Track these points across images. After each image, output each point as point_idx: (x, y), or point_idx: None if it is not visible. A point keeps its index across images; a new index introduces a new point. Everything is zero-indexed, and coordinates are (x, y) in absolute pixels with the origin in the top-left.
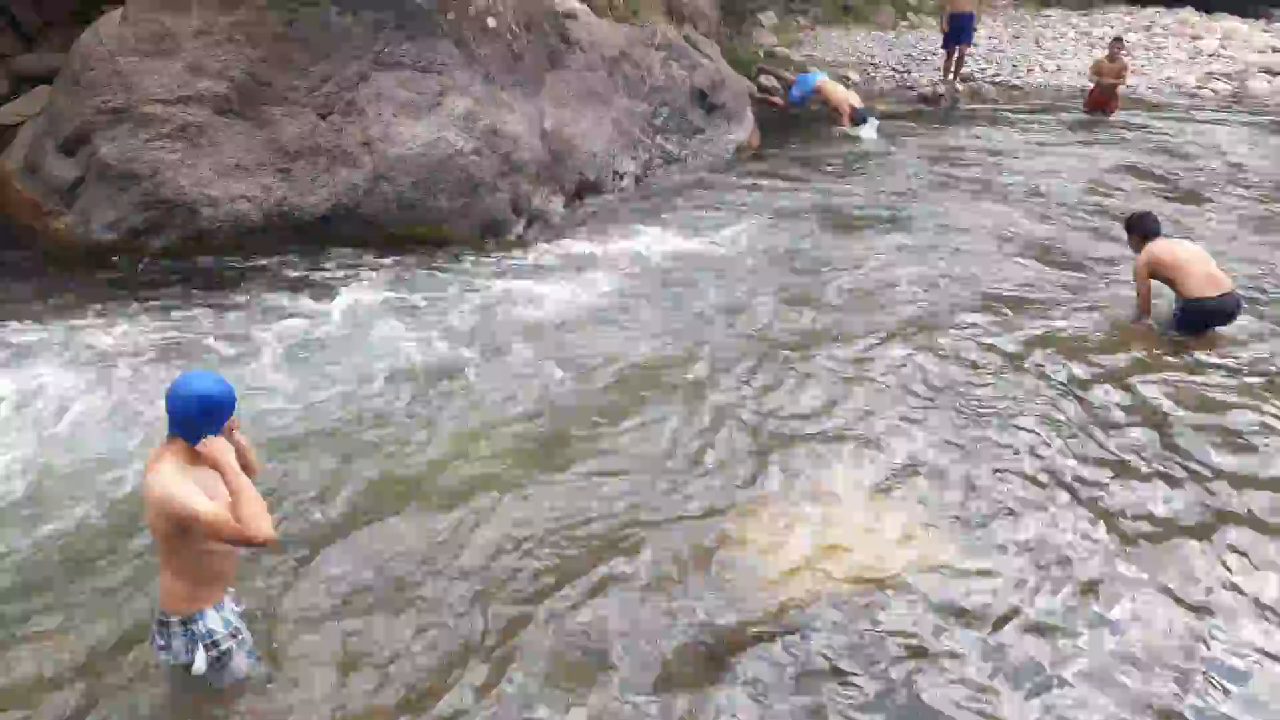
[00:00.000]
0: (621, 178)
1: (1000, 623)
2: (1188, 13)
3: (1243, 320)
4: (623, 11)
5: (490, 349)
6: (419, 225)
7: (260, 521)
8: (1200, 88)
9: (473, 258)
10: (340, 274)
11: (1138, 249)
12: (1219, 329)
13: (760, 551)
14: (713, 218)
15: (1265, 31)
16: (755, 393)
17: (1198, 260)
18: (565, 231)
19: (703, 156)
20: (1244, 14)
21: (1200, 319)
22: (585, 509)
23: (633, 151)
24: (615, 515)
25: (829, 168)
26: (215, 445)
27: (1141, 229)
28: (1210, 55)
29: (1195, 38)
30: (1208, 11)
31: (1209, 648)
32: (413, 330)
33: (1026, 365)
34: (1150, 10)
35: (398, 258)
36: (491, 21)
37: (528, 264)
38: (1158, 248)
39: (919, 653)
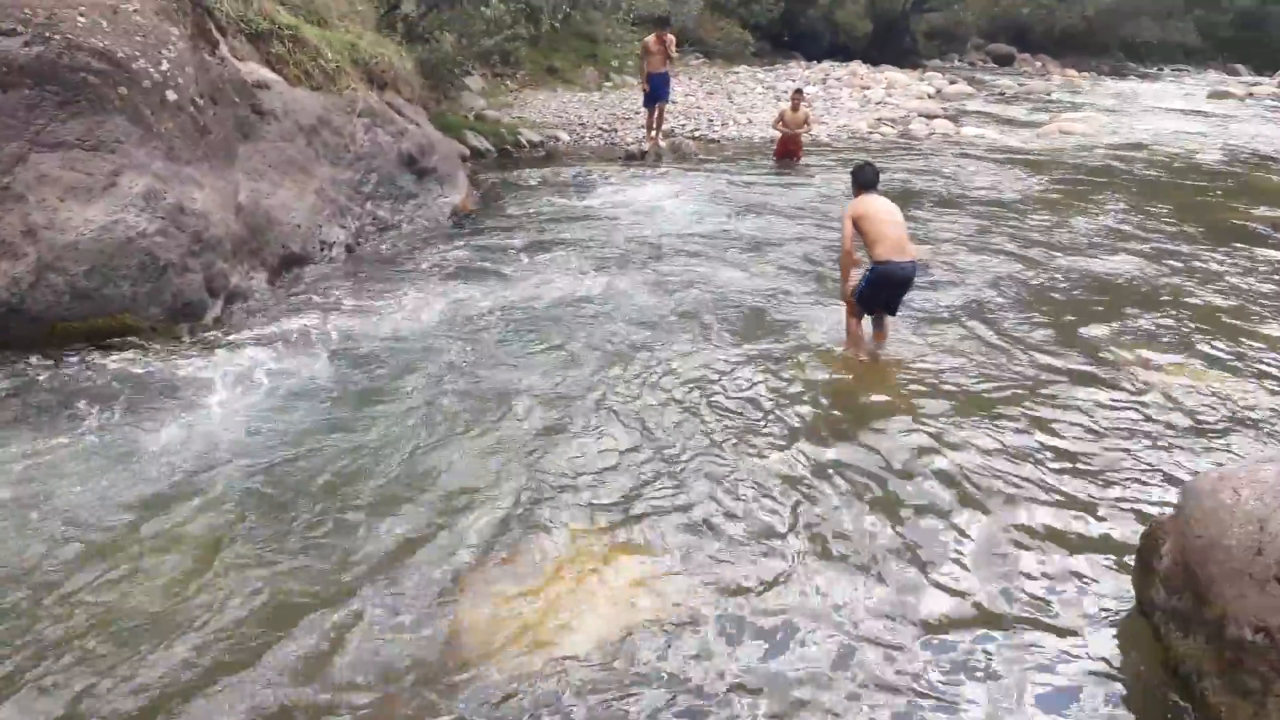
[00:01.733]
0: (331, 248)
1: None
2: (856, 65)
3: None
4: (318, 80)
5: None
6: (97, 317)
7: None
8: (871, 132)
9: (158, 347)
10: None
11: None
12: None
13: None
14: (421, 288)
15: (921, 80)
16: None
17: (894, 224)
18: (270, 309)
19: (418, 221)
20: (902, 65)
21: (884, 285)
22: (287, 592)
23: (341, 220)
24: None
25: (542, 229)
26: None
27: (859, 179)
28: (878, 103)
29: (865, 88)
30: (874, 64)
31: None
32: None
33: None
34: (826, 64)
35: (70, 356)
36: (171, 95)
37: (216, 350)
38: (865, 201)
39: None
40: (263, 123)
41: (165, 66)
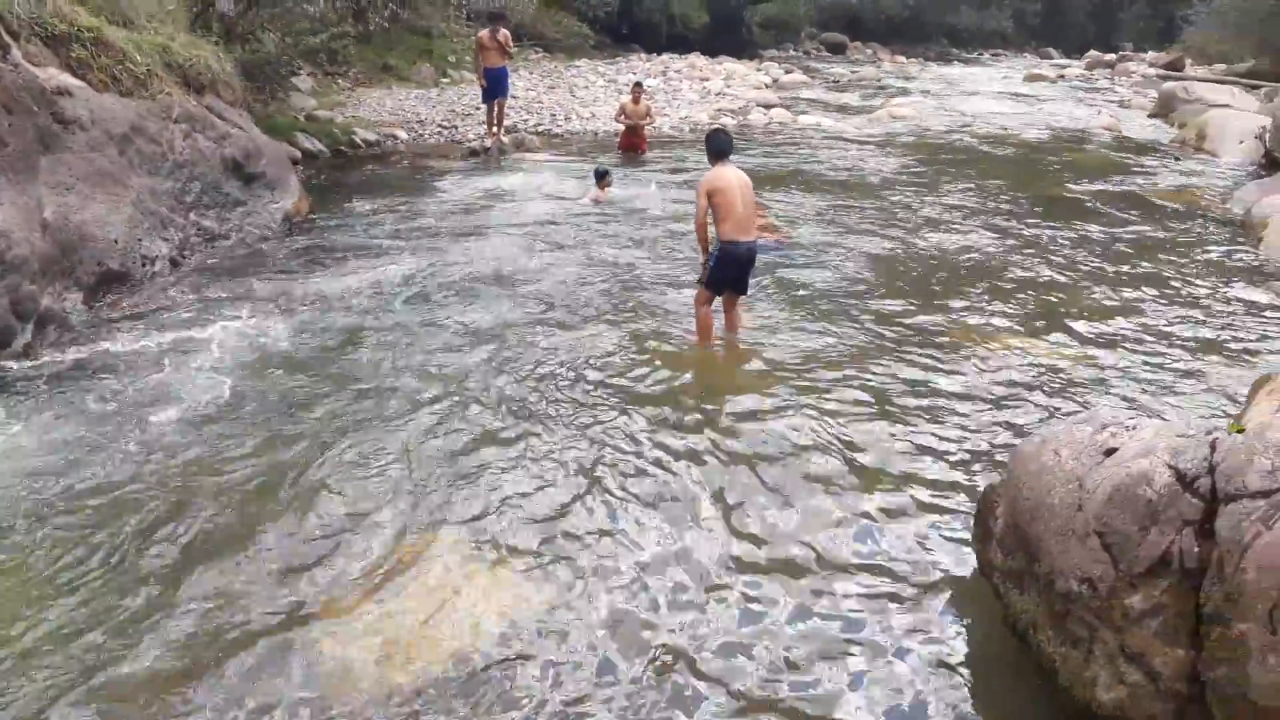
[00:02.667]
0: (154, 262)
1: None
2: (695, 57)
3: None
4: (128, 85)
5: None
6: None
7: None
8: (712, 122)
9: None
10: None
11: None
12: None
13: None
14: (252, 298)
15: (759, 70)
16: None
17: (743, 201)
18: (87, 332)
19: (248, 229)
20: (740, 56)
21: (730, 264)
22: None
23: (164, 233)
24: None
25: (380, 228)
26: None
27: (713, 145)
28: (717, 94)
29: (704, 79)
30: (712, 55)
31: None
32: None
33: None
34: (665, 56)
35: None
36: None
37: (32, 378)
38: (719, 174)
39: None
40: (66, 132)
41: None
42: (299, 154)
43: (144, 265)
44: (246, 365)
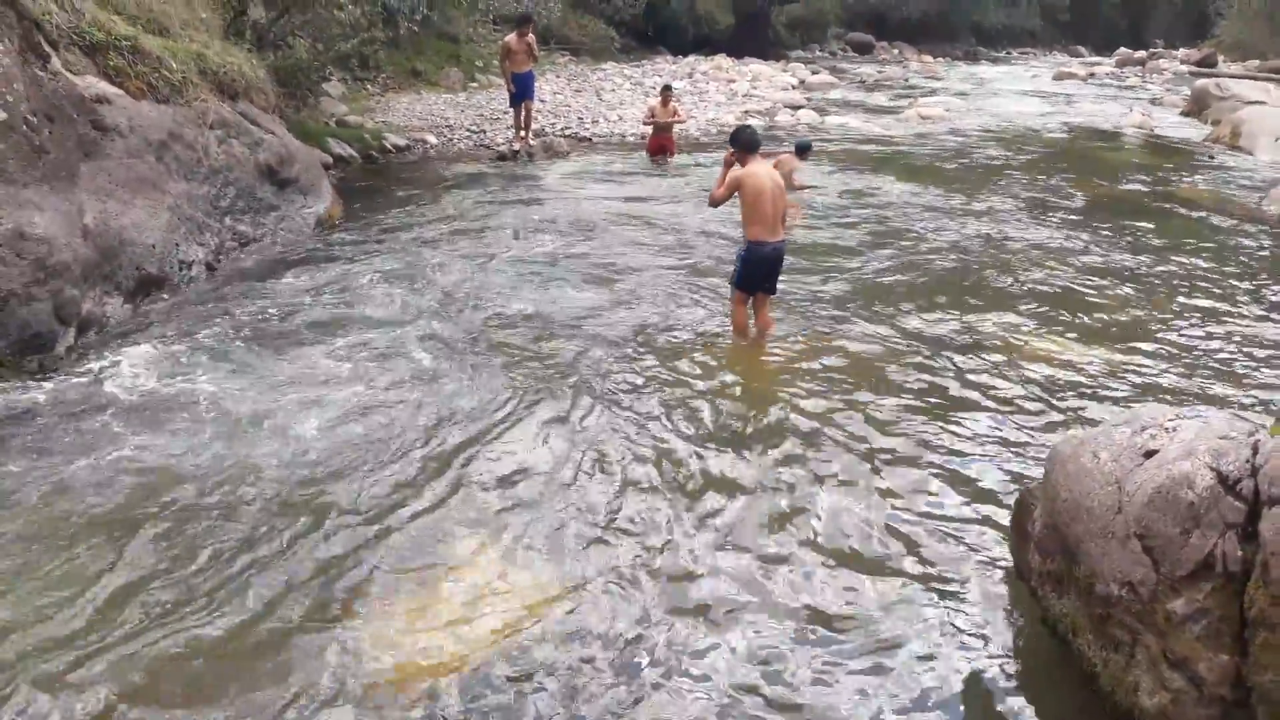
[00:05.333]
0: (190, 267)
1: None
2: (721, 58)
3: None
4: (164, 92)
5: None
6: None
7: None
8: (739, 123)
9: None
10: None
11: (741, 165)
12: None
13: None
14: (286, 300)
15: (785, 71)
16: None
17: (772, 201)
18: (129, 336)
19: (281, 234)
20: (766, 57)
21: (759, 264)
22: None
23: (200, 237)
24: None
25: (410, 231)
26: None
27: (740, 140)
28: (744, 96)
29: (731, 80)
30: (738, 56)
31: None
32: None
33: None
34: (691, 57)
35: None
36: (1, 114)
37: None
38: (752, 171)
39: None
40: (106, 139)
41: None
42: (330, 159)
43: (181, 269)
44: (282, 369)
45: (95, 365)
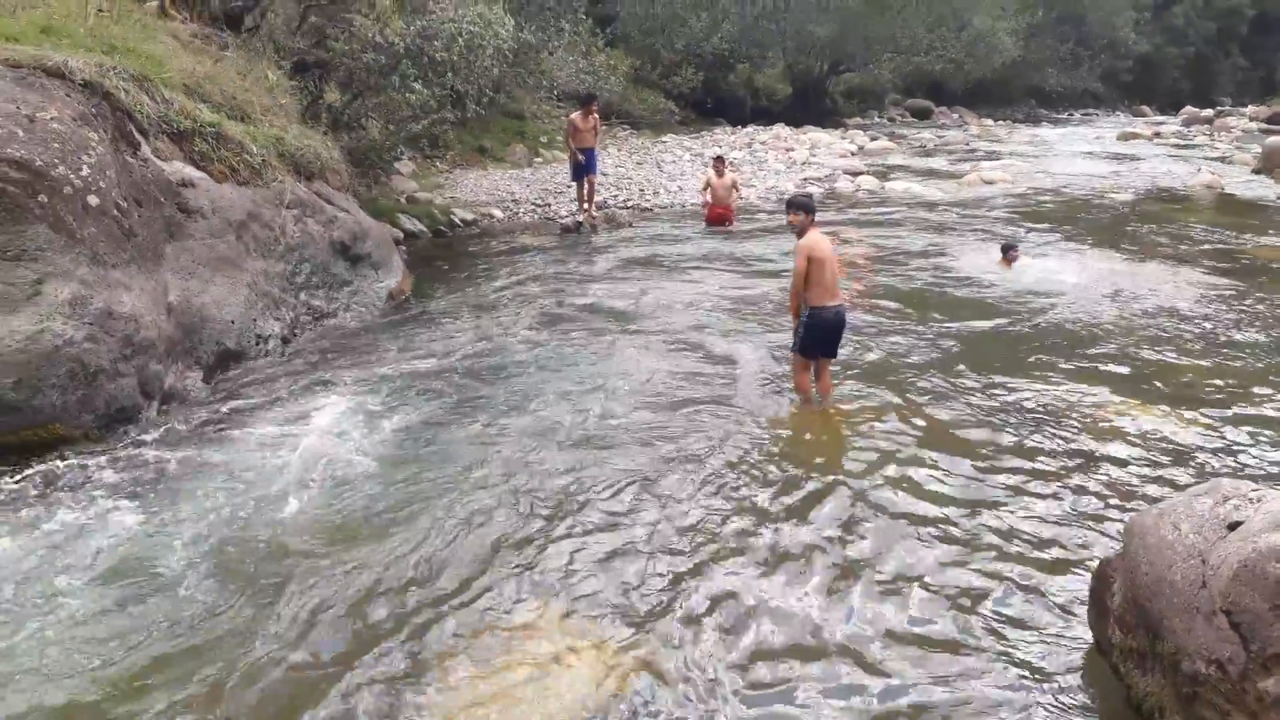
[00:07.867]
0: (267, 341)
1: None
2: (779, 127)
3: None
4: (245, 174)
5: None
6: (24, 429)
7: None
8: (798, 190)
9: (84, 459)
10: None
11: (802, 231)
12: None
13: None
14: (360, 372)
15: (843, 139)
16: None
17: (830, 266)
18: (208, 407)
19: (354, 308)
20: (824, 125)
21: (821, 330)
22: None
23: (276, 312)
24: None
25: (479, 304)
26: None
27: (803, 206)
28: (803, 163)
29: (789, 149)
30: (796, 125)
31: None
32: None
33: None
34: (750, 128)
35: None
36: (94, 200)
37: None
38: (814, 240)
39: None
40: (190, 221)
41: (86, 172)
42: (401, 234)
43: (258, 343)
44: (356, 438)
45: (175, 436)
